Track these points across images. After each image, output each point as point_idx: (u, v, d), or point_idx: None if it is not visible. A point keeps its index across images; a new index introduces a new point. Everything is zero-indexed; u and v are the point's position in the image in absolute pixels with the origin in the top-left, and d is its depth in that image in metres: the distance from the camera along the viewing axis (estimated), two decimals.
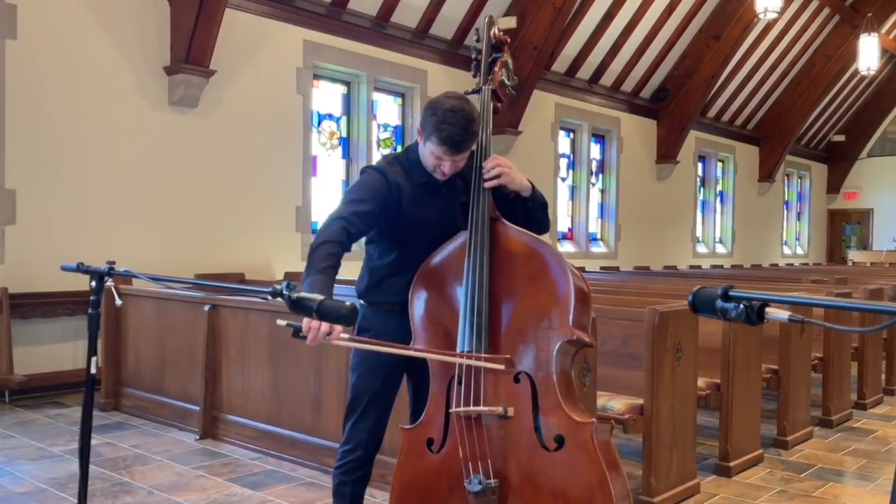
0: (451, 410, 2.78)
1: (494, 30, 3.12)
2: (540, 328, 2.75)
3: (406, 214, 2.93)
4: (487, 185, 2.88)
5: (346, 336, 2.64)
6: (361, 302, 3.08)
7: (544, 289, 2.77)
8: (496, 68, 3.10)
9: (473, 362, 2.73)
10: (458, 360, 2.76)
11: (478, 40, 3.13)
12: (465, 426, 2.76)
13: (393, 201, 2.90)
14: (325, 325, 2.48)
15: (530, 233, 2.90)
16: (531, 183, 3.00)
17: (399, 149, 10.14)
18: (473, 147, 2.93)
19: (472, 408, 2.73)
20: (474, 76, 3.13)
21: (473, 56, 3.14)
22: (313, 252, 2.71)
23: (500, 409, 2.70)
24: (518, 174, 2.95)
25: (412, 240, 2.95)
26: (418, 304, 2.92)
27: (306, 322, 2.50)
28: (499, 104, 3.11)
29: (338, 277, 2.71)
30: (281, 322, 2.59)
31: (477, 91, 3.11)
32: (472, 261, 2.81)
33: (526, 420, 2.71)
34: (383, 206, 2.88)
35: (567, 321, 2.70)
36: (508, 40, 3.16)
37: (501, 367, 2.71)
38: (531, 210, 3.01)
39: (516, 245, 2.85)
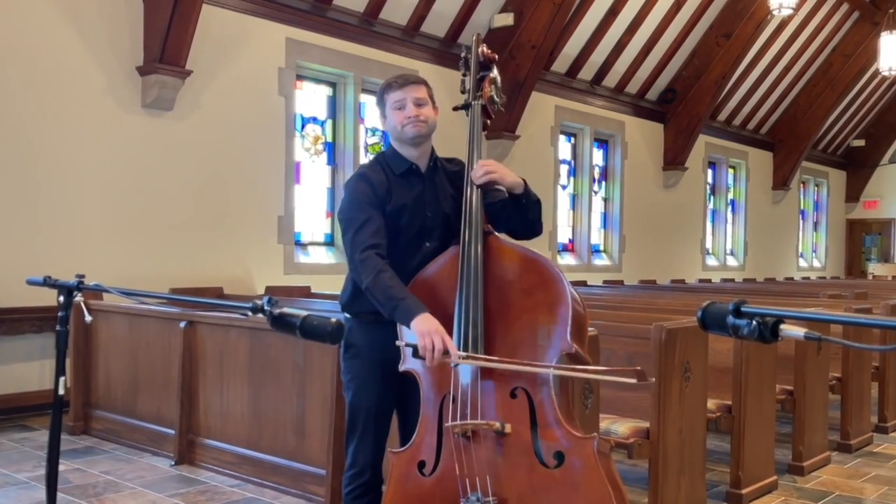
0: (446, 425, 2.86)
1: (483, 48, 3.33)
2: (537, 342, 2.85)
3: (393, 205, 3.12)
4: (479, 181, 3.06)
5: (465, 354, 2.80)
6: (346, 315, 3.21)
7: (541, 302, 2.88)
8: (485, 85, 3.28)
9: (608, 377, 2.90)
10: (599, 376, 2.94)
11: (466, 58, 3.33)
12: (462, 444, 2.82)
13: (381, 199, 3.11)
14: (439, 345, 2.71)
15: (524, 246, 3.04)
16: (523, 180, 3.18)
17: None
18: (425, 94, 3.17)
19: (468, 422, 2.81)
20: (463, 93, 3.33)
21: (462, 73, 3.35)
22: (377, 286, 2.90)
23: (497, 425, 2.78)
24: (508, 171, 3.15)
25: (397, 240, 3.11)
26: None
27: (422, 344, 2.73)
28: (488, 121, 3.33)
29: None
30: (399, 343, 2.83)
31: (466, 107, 3.31)
32: (466, 273, 2.93)
33: (524, 436, 2.79)
34: (379, 209, 3.09)
35: (566, 335, 2.81)
36: (496, 58, 3.37)
37: (633, 380, 2.71)
38: (525, 209, 3.17)
39: (510, 258, 2.99)
